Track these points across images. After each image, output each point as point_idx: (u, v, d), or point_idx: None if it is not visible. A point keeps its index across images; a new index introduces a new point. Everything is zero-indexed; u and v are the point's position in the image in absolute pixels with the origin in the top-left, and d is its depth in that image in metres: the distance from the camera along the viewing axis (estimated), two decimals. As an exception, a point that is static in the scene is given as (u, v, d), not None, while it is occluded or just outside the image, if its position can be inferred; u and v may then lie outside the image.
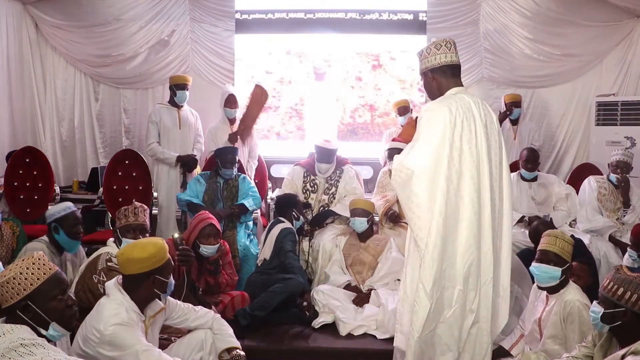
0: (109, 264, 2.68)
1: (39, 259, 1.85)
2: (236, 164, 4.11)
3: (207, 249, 3.14)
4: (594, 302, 2.14)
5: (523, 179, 4.21)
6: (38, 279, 1.80)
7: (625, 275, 2.06)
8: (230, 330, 2.55)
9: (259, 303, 3.17)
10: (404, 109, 5.11)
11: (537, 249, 2.62)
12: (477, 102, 2.31)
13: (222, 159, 4.06)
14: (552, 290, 2.56)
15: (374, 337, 3.10)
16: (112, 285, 2.22)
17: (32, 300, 1.78)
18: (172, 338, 2.59)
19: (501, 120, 4.92)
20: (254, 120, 4.70)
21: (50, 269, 1.85)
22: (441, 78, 2.34)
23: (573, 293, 2.50)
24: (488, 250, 2.25)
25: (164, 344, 2.48)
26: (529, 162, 4.17)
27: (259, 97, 4.65)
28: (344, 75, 5.62)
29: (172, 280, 2.32)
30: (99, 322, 2.08)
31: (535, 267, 2.57)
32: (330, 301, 3.28)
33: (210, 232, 3.16)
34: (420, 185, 2.20)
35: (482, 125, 2.26)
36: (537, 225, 3.45)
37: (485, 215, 2.24)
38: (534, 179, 4.21)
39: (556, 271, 2.50)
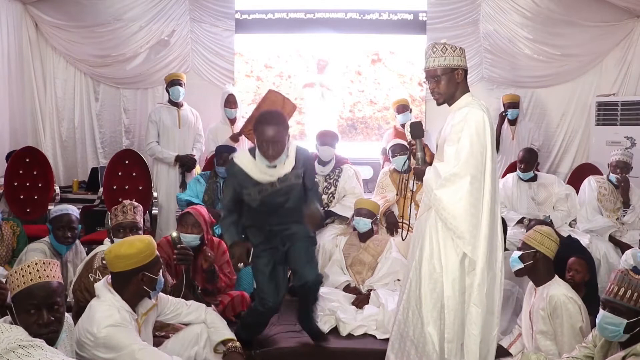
0: (104, 262, 2.67)
1: (35, 264, 1.81)
2: None
3: (184, 237, 3.05)
4: (605, 312, 2.08)
5: (522, 179, 4.21)
6: (18, 285, 1.77)
7: (637, 280, 2.04)
8: (224, 323, 2.55)
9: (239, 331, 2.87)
10: (402, 107, 5.10)
11: None
12: None
13: (218, 157, 4.06)
14: (536, 281, 2.62)
15: (374, 337, 3.10)
16: (102, 286, 2.21)
17: (14, 305, 1.77)
18: (170, 335, 2.59)
19: (501, 124, 4.92)
20: None
21: (33, 279, 1.78)
22: (463, 80, 2.38)
23: (557, 287, 2.53)
24: (499, 245, 2.35)
25: (159, 341, 2.48)
26: (522, 163, 4.17)
27: (276, 104, 4.57)
28: (343, 70, 5.60)
29: (161, 278, 2.30)
30: (92, 325, 2.07)
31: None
32: (330, 303, 3.27)
33: (187, 222, 3.10)
34: (474, 188, 2.24)
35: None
36: (532, 226, 3.45)
37: (498, 213, 2.35)
38: (534, 179, 4.21)
39: (516, 254, 2.64)
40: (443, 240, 2.30)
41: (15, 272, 1.80)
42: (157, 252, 2.29)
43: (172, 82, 4.57)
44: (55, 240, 3.12)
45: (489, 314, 2.30)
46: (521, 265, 2.61)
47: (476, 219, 2.23)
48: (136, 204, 2.98)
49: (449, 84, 2.35)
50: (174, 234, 2.95)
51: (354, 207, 3.76)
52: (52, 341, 1.79)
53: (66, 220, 3.14)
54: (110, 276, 2.24)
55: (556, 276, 2.61)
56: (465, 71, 2.38)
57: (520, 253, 2.62)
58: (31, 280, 1.77)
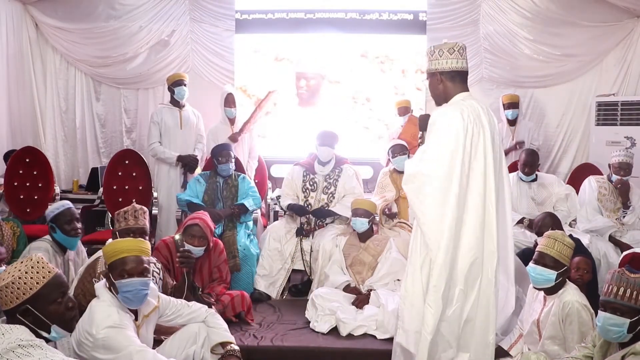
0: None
1: (38, 262, 1.83)
2: (232, 159, 4.08)
3: (190, 249, 3.01)
4: (606, 314, 2.07)
5: (523, 180, 4.20)
6: (37, 283, 1.78)
7: (634, 278, 2.04)
8: (225, 325, 2.55)
9: None
10: (404, 110, 5.10)
11: (536, 249, 2.62)
12: (484, 108, 2.38)
13: (217, 156, 4.06)
14: (550, 291, 2.55)
15: (374, 337, 3.10)
16: (102, 287, 2.22)
17: (32, 304, 1.77)
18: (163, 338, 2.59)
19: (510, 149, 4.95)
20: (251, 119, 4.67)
21: (49, 272, 1.82)
22: (449, 82, 2.37)
23: (572, 294, 2.49)
24: (493, 251, 2.31)
25: (159, 341, 2.49)
26: (526, 166, 4.16)
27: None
28: (342, 72, 5.61)
29: (136, 280, 2.18)
30: (91, 326, 2.07)
31: (531, 267, 2.57)
32: (330, 303, 3.27)
33: (194, 234, 3.09)
34: (435, 190, 2.25)
35: (489, 131, 2.32)
36: (544, 216, 3.43)
37: (490, 217, 2.30)
38: (534, 179, 4.20)
39: (551, 274, 2.49)
40: (415, 231, 2.37)
41: (26, 272, 1.78)
42: (123, 255, 2.20)
43: (177, 82, 4.55)
44: (65, 235, 3.08)
45: (472, 318, 2.30)
46: (553, 284, 2.50)
47: (437, 221, 2.25)
48: (145, 208, 2.97)
49: (432, 86, 2.43)
50: (177, 237, 2.94)
51: (351, 207, 3.77)
52: (73, 322, 1.89)
53: (70, 213, 3.12)
54: None
55: (568, 281, 2.57)
56: (449, 73, 2.34)
57: (554, 272, 2.48)
58: (49, 272, 1.82)
